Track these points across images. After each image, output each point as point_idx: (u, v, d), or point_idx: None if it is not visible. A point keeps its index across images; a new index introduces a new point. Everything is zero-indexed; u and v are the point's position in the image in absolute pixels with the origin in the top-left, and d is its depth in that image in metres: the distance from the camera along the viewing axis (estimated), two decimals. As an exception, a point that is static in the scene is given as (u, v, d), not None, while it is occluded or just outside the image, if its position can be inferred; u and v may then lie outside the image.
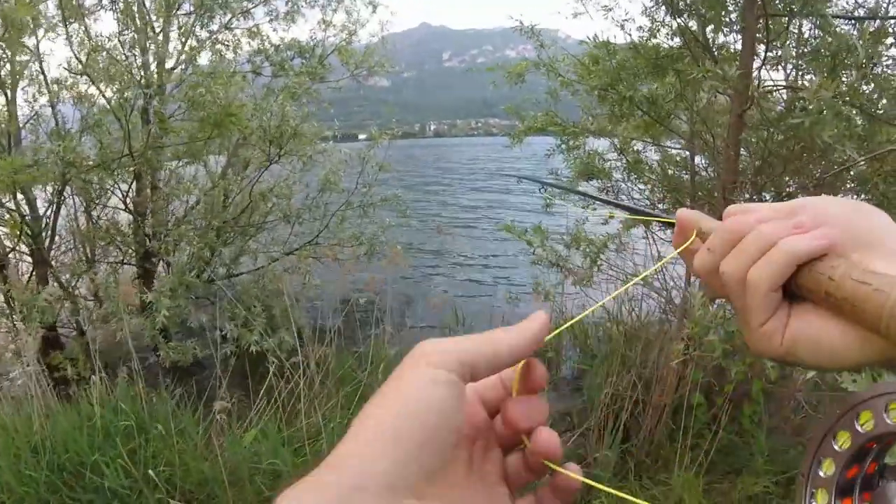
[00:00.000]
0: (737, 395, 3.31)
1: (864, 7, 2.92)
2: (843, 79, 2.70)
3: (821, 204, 0.47)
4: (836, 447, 0.44)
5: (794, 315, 0.45)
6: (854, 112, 2.31)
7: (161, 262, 5.56)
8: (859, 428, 0.43)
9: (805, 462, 0.46)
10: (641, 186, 4.72)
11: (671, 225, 0.57)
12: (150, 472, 2.66)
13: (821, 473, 0.45)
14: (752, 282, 0.45)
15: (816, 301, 0.43)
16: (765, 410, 3.36)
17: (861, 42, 2.21)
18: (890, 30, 2.69)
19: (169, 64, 5.53)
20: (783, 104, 3.61)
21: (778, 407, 3.49)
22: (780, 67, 3.47)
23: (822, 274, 0.42)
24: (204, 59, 5.83)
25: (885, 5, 2.85)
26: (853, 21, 2.91)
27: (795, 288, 0.45)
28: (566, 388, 4.73)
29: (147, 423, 3.02)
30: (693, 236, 0.54)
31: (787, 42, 3.23)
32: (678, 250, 0.55)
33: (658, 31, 3.55)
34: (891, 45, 2.76)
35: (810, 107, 2.11)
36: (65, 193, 5.21)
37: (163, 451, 2.90)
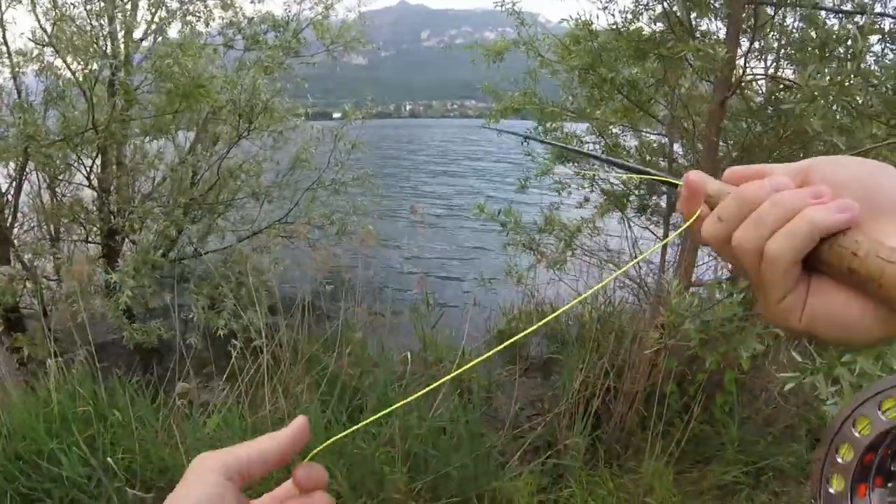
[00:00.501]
0: (709, 385, 3.30)
1: (851, 1, 2.89)
2: (825, 70, 2.67)
3: (831, 166, 0.45)
4: (855, 433, 0.44)
5: (812, 290, 0.43)
6: (840, 105, 2.28)
7: (126, 240, 5.38)
8: (882, 416, 0.43)
9: (821, 447, 0.46)
10: (618, 172, 4.67)
11: (674, 186, 0.53)
12: (109, 459, 2.55)
13: (838, 459, 0.45)
14: (772, 255, 0.42)
15: (836, 276, 0.42)
16: (737, 401, 3.36)
17: (859, 34, 2.18)
18: (877, 26, 2.66)
19: (137, 34, 5.31)
20: (762, 95, 3.60)
21: (750, 397, 3.50)
22: (760, 59, 3.45)
23: (846, 249, 0.40)
24: (174, 30, 5.61)
25: (870, 1, 2.83)
26: (839, 15, 2.88)
27: (814, 262, 0.42)
28: (536, 372, 4.70)
29: (106, 408, 2.90)
30: (700, 208, 0.49)
31: (770, 33, 3.20)
32: (690, 220, 0.50)
33: (641, 14, 3.48)
34: (877, 40, 2.74)
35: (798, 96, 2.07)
36: (27, 169, 4.98)
37: (122, 438, 2.79)
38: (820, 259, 0.42)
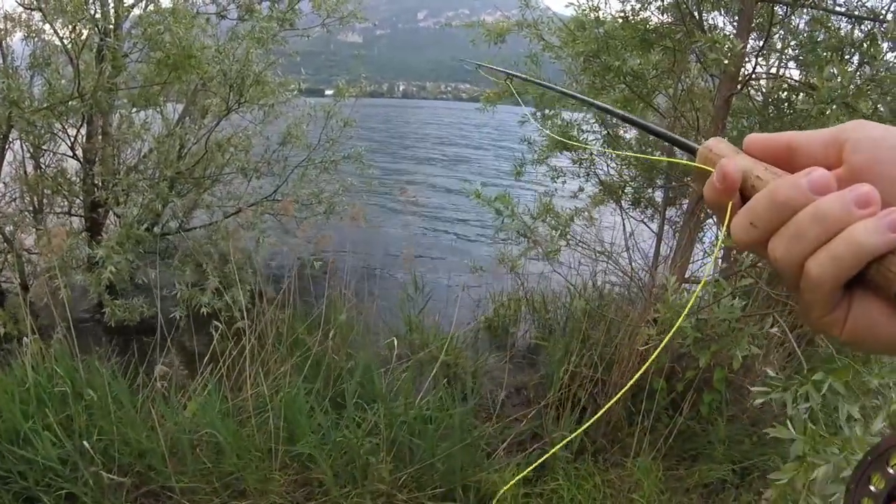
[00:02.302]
0: (697, 382, 3.28)
1: (864, 6, 2.84)
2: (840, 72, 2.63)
3: (870, 142, 0.39)
4: (889, 470, 0.43)
5: (855, 304, 0.39)
6: (849, 110, 2.24)
7: (110, 214, 5.25)
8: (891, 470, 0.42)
9: (854, 475, 0.45)
10: (616, 163, 4.63)
11: (691, 152, 0.48)
12: (86, 443, 2.46)
13: (871, 487, 0.43)
14: (813, 278, 0.38)
15: (882, 296, 0.38)
16: (725, 399, 3.34)
17: (879, 36, 2.13)
18: (893, 33, 2.62)
19: (128, 0, 5.13)
20: (762, 94, 3.56)
21: (737, 396, 3.48)
22: (765, 57, 3.41)
23: (894, 273, 0.36)
24: (167, -2, 5.44)
25: (883, 9, 2.79)
26: (851, 19, 2.83)
27: (858, 279, 0.38)
28: (521, 359, 4.66)
29: (84, 388, 2.81)
30: (733, 199, 0.44)
31: (778, 32, 3.16)
32: (727, 220, 0.44)
33: (649, 4, 3.40)
34: (888, 48, 2.70)
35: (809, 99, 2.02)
36: (10, 138, 4.83)
37: (100, 419, 2.70)
38: (865, 279, 0.37)
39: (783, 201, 0.39)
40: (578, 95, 0.85)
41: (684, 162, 0.49)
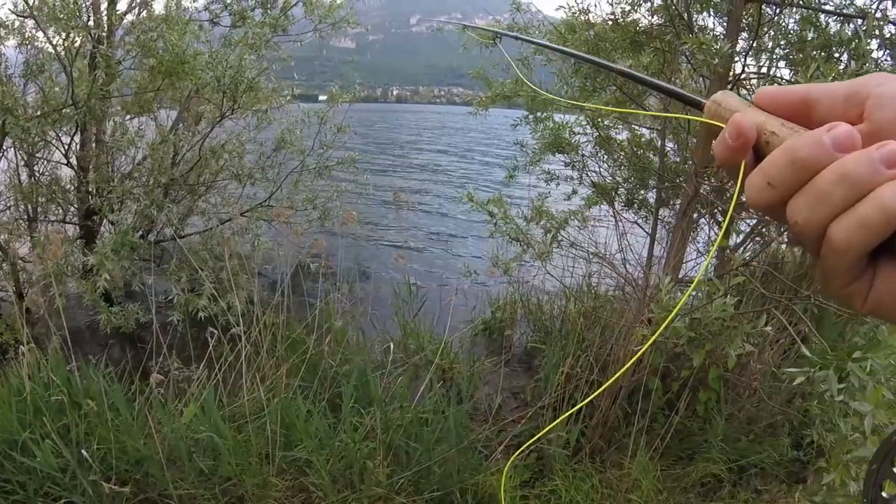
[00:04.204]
0: (693, 381, 3.29)
1: (853, 4, 2.87)
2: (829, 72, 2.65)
3: (893, 98, 0.36)
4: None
5: (880, 274, 0.36)
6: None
7: (104, 221, 5.24)
8: None
9: (876, 458, 0.47)
10: (609, 164, 4.65)
11: (698, 107, 0.45)
12: (84, 452, 2.46)
13: (894, 469, 0.46)
14: (837, 244, 0.35)
15: None
16: (721, 397, 3.35)
17: (862, 35, 2.15)
18: (876, 31, 2.64)
19: (121, 7, 5.16)
20: (752, 94, 3.57)
21: (733, 394, 3.49)
22: (755, 57, 3.43)
23: None
24: (159, 5, 5.46)
25: (871, 6, 2.82)
26: (840, 18, 2.86)
27: (885, 246, 0.35)
28: (518, 363, 4.67)
29: (80, 397, 2.80)
30: (747, 156, 0.41)
31: (768, 32, 3.18)
32: (741, 178, 0.41)
33: (639, 5, 3.43)
34: (877, 45, 2.72)
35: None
36: (4, 146, 4.82)
37: (97, 428, 2.70)
38: (893, 246, 0.35)
39: (803, 159, 0.36)
40: (577, 53, 0.82)
41: (693, 118, 0.46)
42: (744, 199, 0.40)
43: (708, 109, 0.44)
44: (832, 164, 0.35)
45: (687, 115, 0.48)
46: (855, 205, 0.34)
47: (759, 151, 0.40)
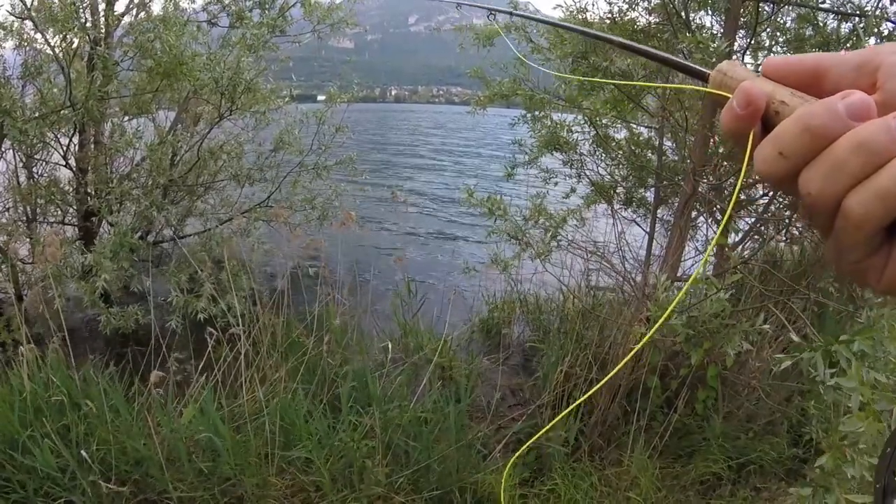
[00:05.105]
0: (692, 380, 3.30)
1: (850, 2, 2.88)
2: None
3: None
4: None
5: None
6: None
7: (104, 222, 5.24)
8: None
9: (889, 444, 0.46)
10: (607, 162, 4.65)
11: (703, 79, 0.43)
12: (83, 452, 2.46)
13: None
14: (854, 217, 0.33)
15: None
16: (719, 395, 3.36)
17: (862, 33, 2.15)
18: (875, 29, 2.65)
19: (119, 8, 5.16)
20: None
21: (732, 392, 3.50)
22: (751, 55, 3.43)
23: None
24: (157, 6, 5.47)
25: (869, 5, 2.83)
26: (838, 16, 2.87)
27: None
28: (516, 362, 4.68)
29: (80, 397, 2.81)
30: (757, 125, 0.39)
31: (766, 30, 3.19)
32: (749, 147, 0.39)
33: (637, 4, 3.43)
34: (876, 43, 2.73)
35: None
36: (2, 147, 4.82)
37: (97, 428, 2.70)
38: None
39: (817, 127, 0.34)
40: (577, 28, 0.81)
41: (698, 88, 0.44)
42: (751, 180, 0.39)
43: (713, 79, 0.42)
44: (848, 133, 0.34)
45: (690, 86, 0.48)
46: (872, 175, 0.33)
47: (767, 122, 0.39)
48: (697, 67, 0.45)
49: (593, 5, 3.50)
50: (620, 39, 0.61)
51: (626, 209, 4.68)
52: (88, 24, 4.71)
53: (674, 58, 0.48)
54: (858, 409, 1.84)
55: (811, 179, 0.35)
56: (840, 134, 0.34)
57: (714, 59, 2.45)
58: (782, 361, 2.28)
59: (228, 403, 3.05)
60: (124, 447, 2.66)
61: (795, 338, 2.31)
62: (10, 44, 5.00)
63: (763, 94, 0.38)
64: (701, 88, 0.43)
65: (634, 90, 3.66)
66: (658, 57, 0.51)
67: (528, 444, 1.29)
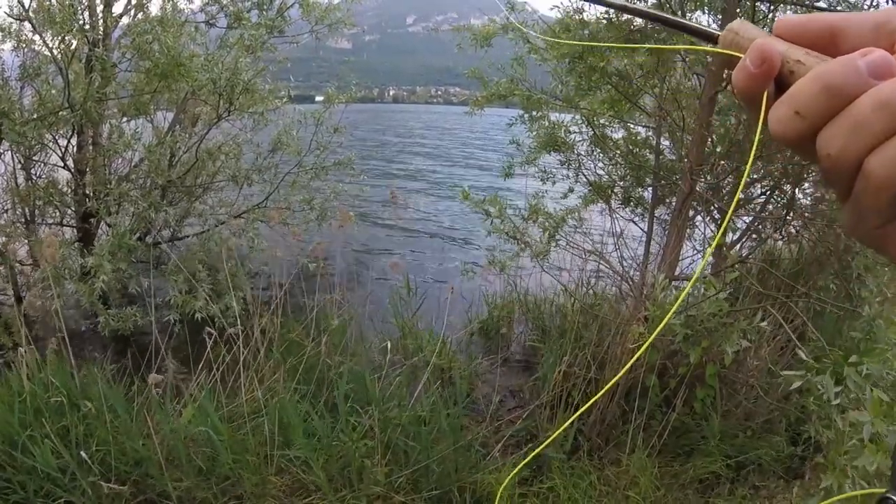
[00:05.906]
0: (690, 378, 3.30)
1: (846, 1, 2.89)
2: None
3: None
4: None
5: None
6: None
7: (102, 224, 5.24)
8: None
9: None
10: (604, 163, 4.66)
11: (712, 41, 0.42)
12: (83, 453, 2.47)
13: None
14: (876, 178, 0.32)
15: None
16: (718, 394, 3.36)
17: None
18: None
19: (117, 10, 5.15)
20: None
21: (730, 391, 3.50)
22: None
23: None
24: (155, 7, 5.46)
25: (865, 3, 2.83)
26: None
27: None
28: (515, 362, 4.68)
29: (79, 398, 2.81)
30: (770, 85, 0.37)
31: (763, 28, 3.19)
32: (763, 107, 0.37)
33: (633, 4, 3.43)
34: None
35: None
36: (1, 149, 4.82)
37: (96, 429, 2.70)
38: None
39: (837, 85, 0.33)
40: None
41: (708, 49, 0.43)
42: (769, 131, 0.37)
43: (724, 39, 0.41)
44: (870, 91, 0.32)
45: (704, 48, 0.45)
46: (894, 136, 0.31)
47: (781, 84, 0.37)
48: (707, 29, 0.43)
49: (590, 5, 3.50)
50: (623, 3, 0.60)
51: (623, 208, 4.69)
52: (87, 26, 4.71)
53: (680, 20, 0.48)
54: (869, 440, 1.82)
55: (831, 139, 0.33)
56: (860, 93, 0.32)
57: (709, 59, 2.46)
58: (792, 380, 2.27)
59: (227, 403, 3.06)
60: (124, 447, 2.66)
61: (804, 355, 2.31)
62: (8, 45, 4.99)
63: (777, 51, 0.37)
64: (714, 49, 0.42)
65: (631, 90, 3.67)
66: (663, 19, 0.50)
67: (533, 453, 1.28)
